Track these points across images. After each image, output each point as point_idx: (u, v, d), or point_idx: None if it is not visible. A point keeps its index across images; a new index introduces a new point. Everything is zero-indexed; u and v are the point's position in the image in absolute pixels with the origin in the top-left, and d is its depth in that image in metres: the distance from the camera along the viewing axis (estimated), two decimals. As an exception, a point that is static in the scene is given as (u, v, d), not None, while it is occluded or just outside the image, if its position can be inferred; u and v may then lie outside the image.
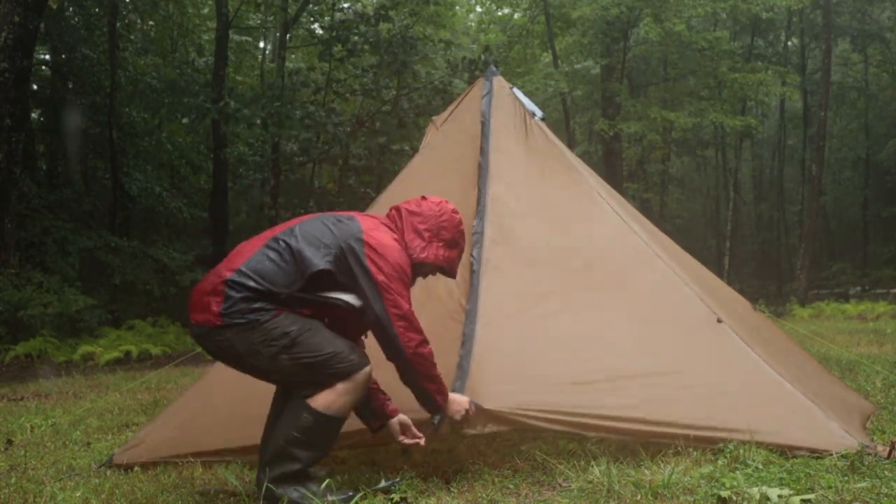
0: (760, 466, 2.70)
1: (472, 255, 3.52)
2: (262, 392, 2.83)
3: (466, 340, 3.21)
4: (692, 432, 2.91)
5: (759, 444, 2.84)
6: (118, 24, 15.37)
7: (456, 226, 2.89)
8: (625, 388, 3.09)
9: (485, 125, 4.15)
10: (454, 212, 2.90)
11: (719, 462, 2.76)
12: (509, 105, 4.32)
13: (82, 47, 15.41)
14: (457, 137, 4.29)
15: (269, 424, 2.75)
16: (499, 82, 4.41)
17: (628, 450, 2.97)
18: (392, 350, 2.60)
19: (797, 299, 18.76)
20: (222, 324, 2.51)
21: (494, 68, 4.55)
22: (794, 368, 3.75)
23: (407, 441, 2.80)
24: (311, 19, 18.48)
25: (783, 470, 2.67)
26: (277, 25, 18.29)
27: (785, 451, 2.85)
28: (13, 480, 3.27)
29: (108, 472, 3.40)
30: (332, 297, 2.62)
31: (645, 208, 21.38)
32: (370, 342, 2.77)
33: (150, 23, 17.94)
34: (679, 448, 2.88)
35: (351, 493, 2.67)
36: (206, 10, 19.37)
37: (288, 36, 17.58)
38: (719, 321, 3.39)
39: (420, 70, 17.20)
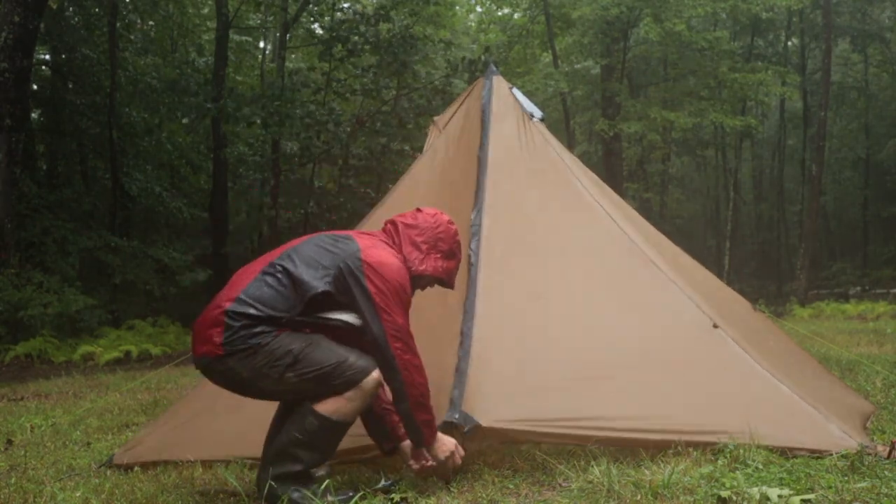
0: (760, 466, 2.70)
1: (470, 248, 3.51)
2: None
3: (465, 339, 3.20)
4: (691, 437, 2.91)
5: (759, 447, 2.84)
6: (118, 24, 15.37)
7: (452, 236, 2.89)
8: (623, 396, 3.09)
9: (484, 120, 4.15)
10: (450, 223, 2.91)
11: (719, 462, 2.76)
12: (509, 104, 4.33)
13: (82, 47, 15.41)
14: (458, 139, 4.29)
15: (272, 428, 2.75)
16: (498, 81, 4.42)
17: (628, 450, 2.97)
18: (388, 371, 2.60)
19: (797, 299, 18.76)
20: (224, 353, 2.51)
21: (494, 68, 4.55)
22: (792, 371, 3.74)
23: (416, 466, 2.78)
24: (311, 19, 18.48)
25: (783, 470, 2.67)
26: (277, 25, 18.30)
27: (785, 452, 2.85)
28: (13, 480, 3.26)
29: (108, 472, 3.40)
30: (332, 318, 2.62)
31: (645, 208, 21.39)
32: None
33: (150, 23, 17.93)
34: (679, 448, 2.88)
35: (351, 494, 2.67)
36: (206, 10, 19.38)
37: (288, 36, 17.59)
38: (715, 327, 3.39)
39: (420, 70, 17.20)
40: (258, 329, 2.51)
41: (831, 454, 2.80)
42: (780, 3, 19.22)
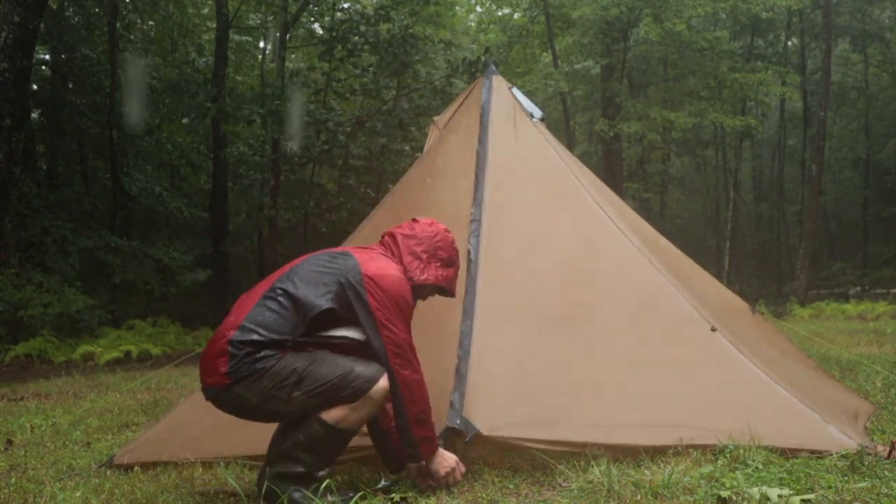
0: (760, 466, 2.70)
1: (469, 244, 3.51)
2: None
3: (464, 338, 3.20)
4: (691, 441, 2.91)
5: (759, 447, 2.84)
6: (118, 24, 15.38)
7: (451, 245, 2.91)
8: (622, 399, 3.09)
9: (484, 119, 4.15)
10: (447, 231, 2.92)
11: (719, 462, 2.76)
12: (508, 104, 4.33)
13: (82, 47, 15.41)
14: (458, 139, 4.29)
15: (277, 433, 2.75)
16: (498, 81, 4.42)
17: (628, 450, 2.97)
18: (390, 385, 2.60)
19: (797, 299, 18.75)
20: (230, 381, 2.52)
21: (494, 68, 4.55)
22: (791, 373, 3.75)
23: (422, 485, 2.77)
24: (311, 19, 18.48)
25: (783, 470, 2.67)
26: (277, 25, 18.29)
27: (785, 452, 2.85)
28: (13, 480, 3.26)
29: (108, 472, 3.40)
30: (336, 335, 2.62)
31: (645, 208, 21.41)
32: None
33: (150, 23, 17.94)
34: (679, 448, 2.88)
35: (351, 494, 2.66)
36: (206, 10, 19.37)
37: (288, 36, 17.58)
38: (713, 330, 3.39)
39: (420, 70, 17.20)
40: (262, 353, 2.51)
41: (831, 454, 2.80)
42: (780, 3, 19.22)
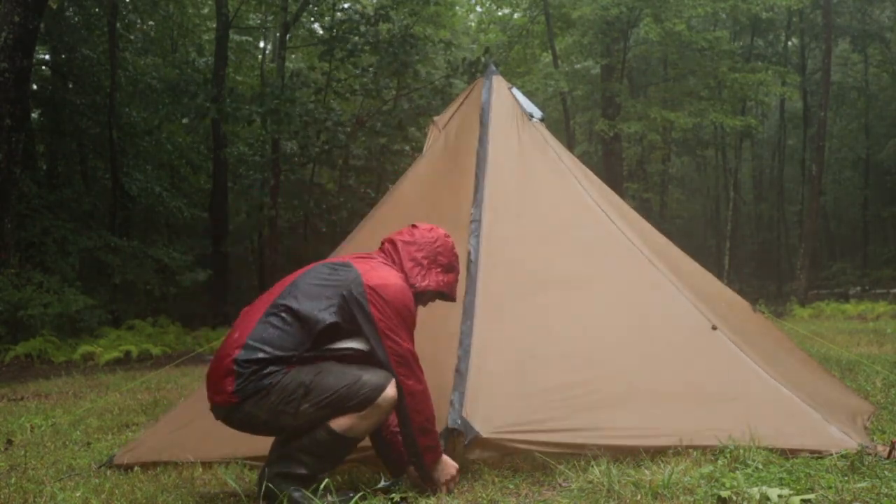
0: (760, 466, 2.70)
1: (469, 244, 3.51)
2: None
3: (464, 338, 3.20)
4: (691, 441, 2.91)
5: (759, 447, 2.84)
6: (118, 24, 15.38)
7: (450, 250, 2.91)
8: (622, 398, 3.09)
9: (484, 119, 4.15)
10: (446, 236, 2.92)
11: (719, 462, 2.76)
12: (508, 104, 4.33)
13: (82, 47, 15.42)
14: (458, 139, 4.29)
15: (277, 441, 2.75)
16: (498, 81, 4.41)
17: (628, 450, 2.97)
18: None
19: (797, 299, 18.76)
20: (238, 400, 2.52)
21: (494, 68, 4.55)
22: (792, 372, 3.74)
23: (423, 486, 2.78)
24: (311, 19, 18.48)
25: (783, 470, 2.67)
26: (277, 25, 18.29)
27: (785, 452, 2.85)
28: (13, 480, 3.26)
29: (108, 472, 3.40)
30: (342, 348, 2.61)
31: (645, 208, 21.40)
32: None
33: (150, 23, 17.94)
34: (679, 448, 2.88)
35: (351, 494, 2.66)
36: (206, 10, 19.38)
37: (288, 36, 17.59)
38: (714, 328, 3.39)
39: (420, 70, 17.20)
40: (268, 370, 2.51)
41: (831, 454, 2.80)
42: (780, 3, 19.22)
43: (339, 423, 2.53)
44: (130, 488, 3.05)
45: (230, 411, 2.57)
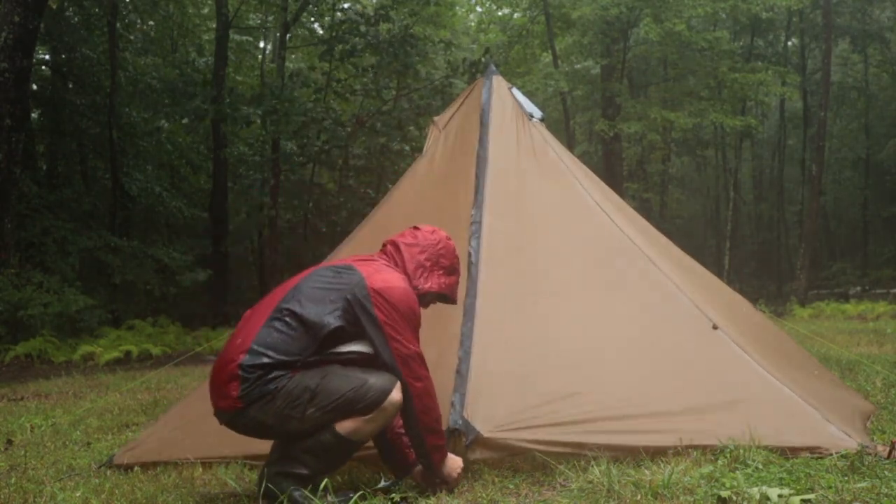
0: (760, 466, 2.70)
1: (470, 246, 3.51)
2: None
3: (465, 340, 3.20)
4: (691, 441, 2.91)
5: (759, 447, 2.84)
6: (118, 24, 15.38)
7: (452, 252, 2.91)
8: (621, 400, 3.08)
9: (484, 120, 4.15)
10: (448, 239, 2.93)
11: (719, 462, 2.76)
12: (508, 104, 4.33)
13: (82, 47, 15.41)
14: (458, 139, 4.29)
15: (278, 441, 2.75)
16: (498, 81, 4.42)
17: (629, 450, 2.97)
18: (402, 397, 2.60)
19: (797, 299, 18.76)
20: (243, 405, 2.52)
21: (494, 68, 4.55)
22: (792, 371, 3.74)
23: (427, 485, 2.78)
24: (311, 19, 18.48)
25: (783, 470, 2.67)
26: (277, 25, 18.29)
27: (785, 452, 2.85)
28: (13, 480, 3.27)
29: (108, 472, 3.40)
30: (346, 351, 2.61)
31: (645, 208, 21.40)
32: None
33: (150, 23, 17.95)
34: (679, 448, 2.88)
35: (351, 494, 2.66)
36: (206, 10, 19.38)
37: (288, 36, 17.59)
38: (715, 327, 3.39)
39: (420, 70, 17.20)
40: (272, 375, 2.50)
41: (831, 454, 2.80)
42: (780, 3, 19.23)
43: (345, 427, 2.53)
44: (130, 488, 3.06)
45: (234, 416, 2.56)
